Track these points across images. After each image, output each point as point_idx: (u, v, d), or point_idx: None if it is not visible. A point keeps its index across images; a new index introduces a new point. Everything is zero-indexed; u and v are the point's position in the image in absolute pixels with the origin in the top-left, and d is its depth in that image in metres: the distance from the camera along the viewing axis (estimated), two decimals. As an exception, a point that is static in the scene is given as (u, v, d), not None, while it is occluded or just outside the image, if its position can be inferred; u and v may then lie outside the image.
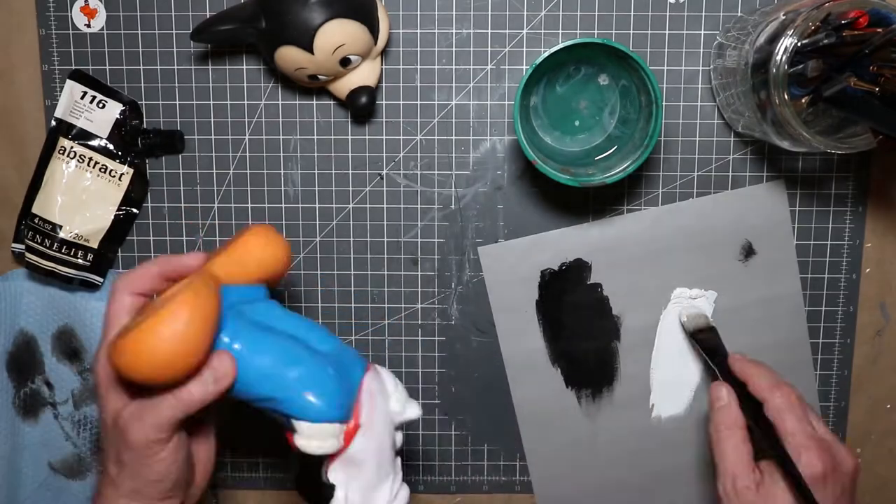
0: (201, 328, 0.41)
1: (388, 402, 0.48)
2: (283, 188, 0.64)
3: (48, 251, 0.61)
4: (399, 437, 0.50)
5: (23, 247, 0.63)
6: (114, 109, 0.62)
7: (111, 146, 0.62)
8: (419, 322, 0.65)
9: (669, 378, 0.65)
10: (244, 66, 0.62)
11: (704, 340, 0.61)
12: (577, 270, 0.64)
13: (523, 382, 0.65)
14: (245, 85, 0.62)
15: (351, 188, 0.64)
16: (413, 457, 0.67)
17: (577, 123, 0.61)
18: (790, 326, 0.65)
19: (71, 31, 0.62)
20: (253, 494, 0.68)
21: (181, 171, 0.64)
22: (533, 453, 0.66)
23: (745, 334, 0.64)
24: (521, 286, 0.64)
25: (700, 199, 0.63)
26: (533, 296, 0.64)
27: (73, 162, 0.62)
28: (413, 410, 0.49)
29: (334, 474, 0.46)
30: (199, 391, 0.43)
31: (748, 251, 0.63)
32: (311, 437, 0.45)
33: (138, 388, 0.44)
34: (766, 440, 0.52)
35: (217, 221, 0.64)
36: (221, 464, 0.67)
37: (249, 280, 0.48)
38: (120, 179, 0.63)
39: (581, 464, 0.66)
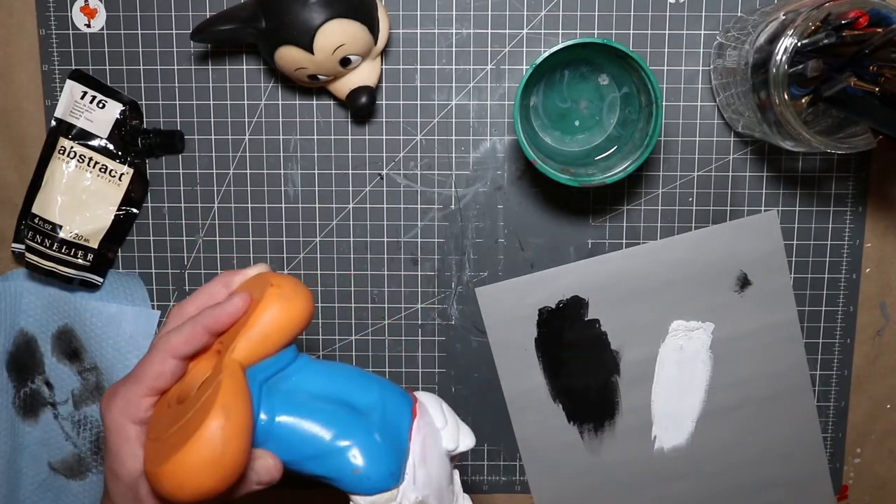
0: (238, 446, 0.38)
1: (439, 441, 0.45)
2: (283, 188, 0.64)
3: (48, 251, 0.61)
4: (454, 471, 0.47)
5: (23, 247, 0.63)
6: (114, 109, 0.62)
7: (111, 146, 0.62)
8: (419, 322, 0.65)
9: (670, 409, 0.66)
10: (244, 66, 0.62)
11: None
12: (574, 307, 0.64)
13: (526, 419, 0.66)
14: (245, 85, 0.62)
15: (351, 188, 0.64)
16: (413, 457, 0.67)
17: (577, 123, 0.61)
18: (788, 355, 0.65)
19: (71, 31, 0.62)
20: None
21: (181, 171, 0.64)
22: (537, 487, 0.67)
23: (743, 364, 0.65)
24: (519, 325, 0.64)
25: (694, 233, 0.63)
26: (532, 334, 0.65)
27: (73, 162, 0.62)
28: (466, 441, 0.46)
29: None
30: (243, 490, 0.41)
31: (744, 282, 0.64)
32: None
33: None
34: None
35: (217, 221, 0.64)
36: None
37: (276, 351, 0.43)
38: (120, 179, 0.63)
39: (586, 496, 0.67)
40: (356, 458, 0.42)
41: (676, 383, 0.65)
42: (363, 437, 0.42)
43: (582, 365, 0.65)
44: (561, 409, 0.66)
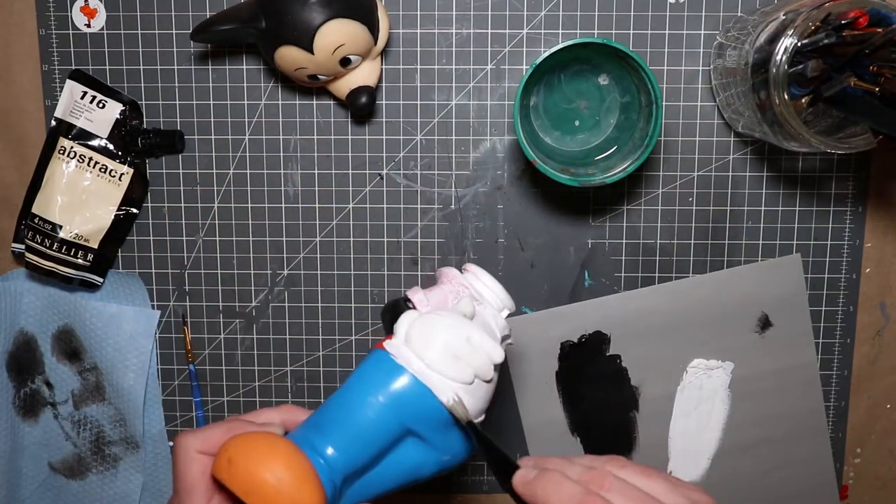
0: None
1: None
2: (283, 188, 0.64)
3: (48, 251, 0.61)
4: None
5: (23, 247, 0.63)
6: (114, 109, 0.62)
7: (111, 146, 0.62)
8: (419, 322, 0.65)
9: (687, 446, 0.66)
10: (244, 66, 0.62)
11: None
12: (596, 342, 0.64)
13: (543, 451, 0.66)
14: (245, 85, 0.62)
15: (351, 188, 0.64)
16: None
17: (577, 123, 0.61)
18: (805, 396, 0.65)
19: (71, 31, 0.62)
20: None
21: (181, 171, 0.64)
22: None
23: (761, 405, 0.65)
24: (541, 358, 0.65)
25: (717, 273, 0.64)
26: (553, 367, 0.65)
27: (73, 162, 0.62)
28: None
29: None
30: None
31: (765, 323, 0.64)
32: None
33: None
34: None
35: (217, 221, 0.64)
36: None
37: None
38: (120, 179, 0.63)
39: None
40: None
41: (694, 421, 0.65)
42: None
43: (601, 399, 0.65)
44: (579, 442, 0.66)
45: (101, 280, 0.64)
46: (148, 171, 0.64)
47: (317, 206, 0.64)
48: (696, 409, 0.65)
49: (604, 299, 0.64)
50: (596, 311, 0.64)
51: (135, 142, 0.62)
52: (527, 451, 0.66)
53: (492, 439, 0.42)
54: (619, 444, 0.66)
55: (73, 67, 0.62)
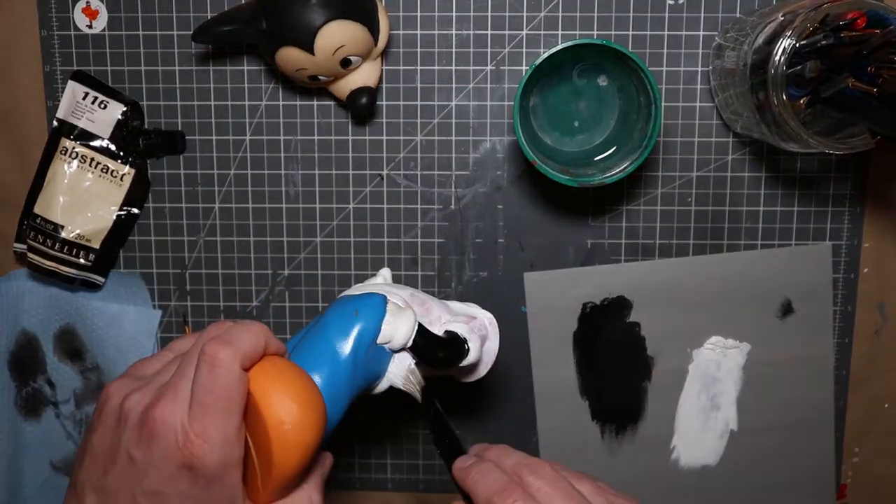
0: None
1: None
2: (283, 188, 0.64)
3: (50, 251, 0.62)
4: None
5: (25, 247, 0.63)
6: (115, 110, 0.62)
7: (113, 147, 0.62)
8: (419, 322, 0.65)
9: (693, 423, 0.66)
10: (245, 67, 0.62)
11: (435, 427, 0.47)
12: (618, 307, 0.64)
13: (550, 411, 0.66)
14: (246, 86, 0.63)
15: (351, 188, 0.64)
16: (413, 456, 0.67)
17: (576, 124, 0.61)
18: (817, 387, 0.65)
19: (72, 32, 0.62)
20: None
21: (182, 171, 0.64)
22: None
23: (772, 390, 0.65)
24: (561, 316, 0.65)
25: (749, 252, 0.63)
26: (572, 327, 0.65)
27: (75, 162, 0.62)
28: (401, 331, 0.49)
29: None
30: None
31: (787, 309, 0.64)
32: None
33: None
34: None
35: (218, 221, 0.64)
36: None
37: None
38: (121, 180, 0.63)
39: None
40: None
41: (704, 398, 0.65)
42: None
43: (615, 365, 0.65)
44: (587, 405, 0.66)
45: (103, 280, 0.64)
46: (149, 171, 0.64)
47: (317, 206, 0.64)
48: (708, 387, 0.65)
49: (633, 264, 0.64)
50: (623, 274, 0.64)
51: (136, 142, 0.62)
52: (534, 409, 0.66)
53: (448, 421, 0.45)
54: (627, 413, 0.66)
55: (75, 68, 0.62)
